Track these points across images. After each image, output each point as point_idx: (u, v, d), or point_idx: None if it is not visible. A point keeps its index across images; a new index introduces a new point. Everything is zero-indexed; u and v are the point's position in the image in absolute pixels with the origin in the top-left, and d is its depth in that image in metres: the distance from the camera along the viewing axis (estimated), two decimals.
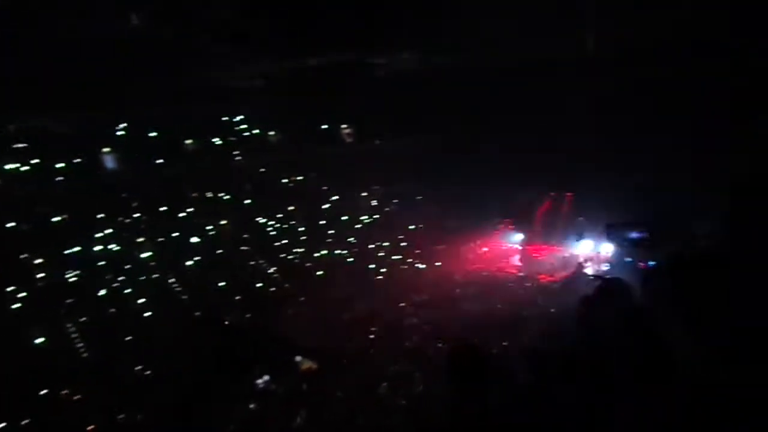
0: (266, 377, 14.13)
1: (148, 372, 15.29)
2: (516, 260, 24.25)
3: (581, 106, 19.18)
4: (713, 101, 15.72)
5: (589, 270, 20.95)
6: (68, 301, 18.17)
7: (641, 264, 17.80)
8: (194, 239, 21.37)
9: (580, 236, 23.14)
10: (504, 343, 13.77)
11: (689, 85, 16.06)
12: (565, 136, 19.84)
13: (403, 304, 19.05)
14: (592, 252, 22.22)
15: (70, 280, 18.57)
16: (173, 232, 21.06)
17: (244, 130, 24.00)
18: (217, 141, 23.16)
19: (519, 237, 25.46)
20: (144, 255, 20.00)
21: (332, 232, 24.59)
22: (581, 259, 21.91)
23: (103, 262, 19.28)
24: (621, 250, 18.61)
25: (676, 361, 2.60)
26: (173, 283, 20.05)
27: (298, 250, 23.50)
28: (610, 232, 19.28)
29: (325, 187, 25.97)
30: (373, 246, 24.82)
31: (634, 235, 17.66)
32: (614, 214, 20.87)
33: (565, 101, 19.49)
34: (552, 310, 16.41)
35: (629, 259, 18.75)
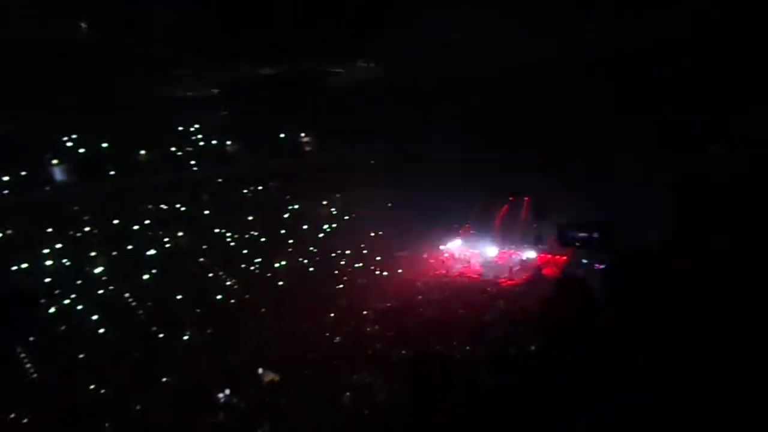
0: (227, 391, 13.83)
1: (103, 390, 14.71)
2: (476, 264, 24.52)
3: (534, 112, 19.64)
4: (658, 106, 16.36)
5: (548, 272, 21.44)
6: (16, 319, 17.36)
7: (597, 265, 18.37)
8: (150, 252, 20.77)
9: (538, 239, 23.65)
10: (467, 348, 13.87)
11: (637, 90, 16.68)
12: (518, 140, 20.26)
13: (365, 312, 18.98)
14: (549, 255, 22.76)
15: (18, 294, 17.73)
16: (127, 245, 20.41)
17: (201, 140, 23.56)
18: (173, 151, 22.65)
19: (479, 242, 25.78)
20: (97, 270, 19.29)
21: (292, 241, 24.34)
22: (539, 263, 22.39)
23: (51, 279, 18.48)
24: (577, 252, 19.15)
25: (633, 357, 2.67)
26: (128, 298, 19.42)
27: (258, 260, 23.15)
28: (561, 233, 19.87)
29: (285, 197, 25.73)
30: (334, 254, 24.70)
31: (583, 235, 18.27)
32: (569, 215, 21.45)
33: (518, 108, 19.92)
34: (513, 313, 16.62)
35: (585, 261, 19.31)
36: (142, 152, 21.63)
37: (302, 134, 25.78)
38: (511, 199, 24.89)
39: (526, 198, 24.35)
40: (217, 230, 23.20)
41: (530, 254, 23.73)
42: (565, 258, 21.70)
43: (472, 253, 25.67)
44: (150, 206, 21.97)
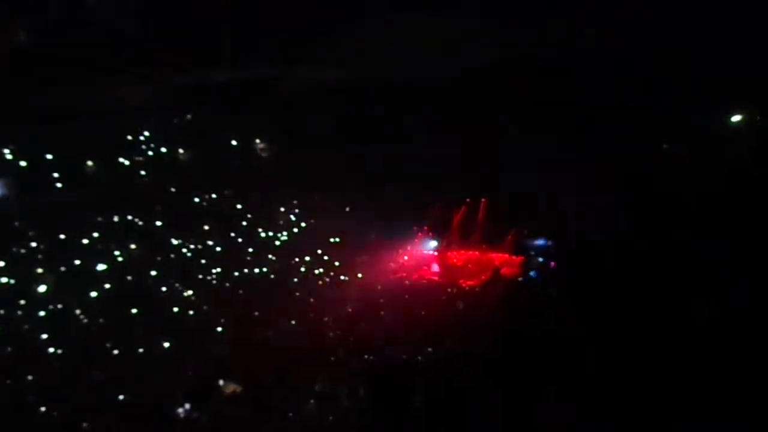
0: (187, 405, 13.50)
1: (55, 413, 14.10)
2: (435, 267, 24.78)
3: (489, 115, 19.97)
4: (608, 111, 16.90)
5: (506, 272, 21.88)
6: None
7: (552, 264, 18.94)
8: (101, 267, 20.05)
9: (497, 241, 24.14)
10: (428, 350, 13.97)
11: (583, 93, 17.19)
12: (476, 143, 20.57)
13: (326, 319, 18.90)
14: (506, 255, 23.27)
15: None
16: (76, 261, 19.64)
17: (151, 149, 22.92)
18: (121, 161, 21.95)
19: (437, 244, 26.06)
20: (42, 288, 18.48)
21: (251, 249, 23.96)
22: (497, 263, 22.81)
23: None
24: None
25: (580, 353, 2.74)
26: (78, 315, 18.69)
27: (216, 270, 22.67)
28: (517, 241, 21.00)
29: (241, 205, 25.31)
30: (293, 261, 24.45)
31: (539, 242, 19.31)
32: (525, 215, 22.01)
33: (475, 111, 20.23)
34: (471, 314, 16.88)
35: (541, 260, 19.87)
36: (89, 163, 20.88)
37: (257, 140, 25.44)
38: (468, 200, 25.28)
39: (483, 199, 24.79)
40: (171, 241, 22.61)
41: (489, 255, 24.18)
42: (522, 258, 22.21)
43: (431, 255, 25.94)
44: (99, 218, 21.21)
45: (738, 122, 15.64)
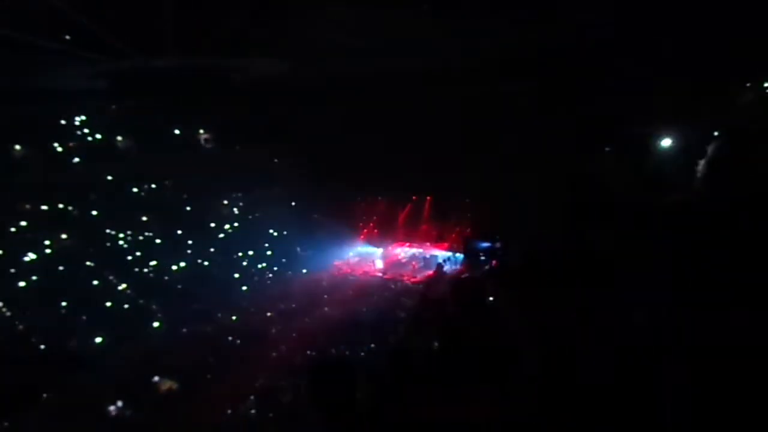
0: (119, 402, 13.03)
1: None
2: (380, 263, 24.94)
3: (432, 113, 20.21)
4: (550, 108, 17.41)
5: (448, 269, 22.26)
6: None
7: (494, 262, 19.41)
8: (29, 256, 19.02)
9: (440, 238, 24.53)
10: (371, 346, 14.07)
11: (533, 94, 17.67)
12: (420, 142, 20.77)
13: (269, 314, 18.68)
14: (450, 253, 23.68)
15: None
16: (0, 249, 18.56)
17: (87, 135, 21.89)
18: (54, 146, 20.87)
19: (383, 240, 26.23)
20: None
21: (192, 242, 23.34)
22: (441, 260, 23.19)
23: None
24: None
25: (521, 351, 2.87)
26: (2, 307, 17.68)
27: (154, 263, 21.96)
28: (466, 244, 21.66)
29: (183, 196, 24.59)
30: (236, 255, 24.01)
31: (485, 245, 19.93)
32: (469, 216, 22.50)
33: (418, 109, 20.42)
34: (421, 310, 17.04)
35: (483, 258, 20.35)
36: (18, 147, 19.73)
37: (201, 131, 24.75)
38: (414, 198, 25.55)
39: (428, 197, 25.11)
40: (106, 231, 21.70)
41: (432, 252, 24.55)
42: (465, 256, 22.65)
43: (376, 251, 26.09)
44: (27, 206, 20.10)
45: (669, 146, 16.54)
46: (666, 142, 16.58)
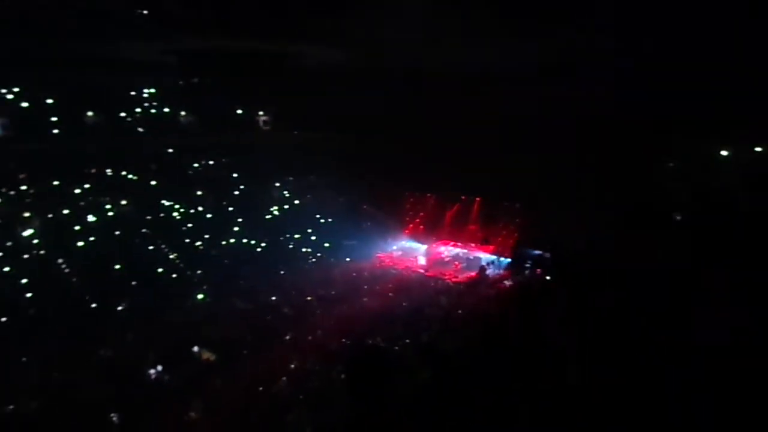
0: (159, 367, 13.52)
1: (24, 359, 14.08)
2: (423, 260, 24.86)
3: (498, 115, 19.91)
4: (615, 124, 16.86)
5: (491, 273, 21.98)
6: None
7: (538, 270, 19.07)
8: (89, 218, 19.92)
9: (486, 241, 24.23)
10: (406, 341, 14.04)
11: (591, 103, 17.16)
12: (478, 142, 20.52)
13: (309, 298, 18.93)
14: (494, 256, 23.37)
15: None
16: (65, 209, 19.50)
17: (153, 107, 22.71)
18: (122, 116, 21.75)
19: (427, 237, 26.14)
20: (27, 232, 18.34)
21: (241, 220, 23.92)
22: (484, 263, 22.91)
23: None
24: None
25: (563, 358, 2.79)
26: (61, 263, 18.61)
27: (205, 236, 22.63)
28: (516, 252, 21.48)
29: (237, 174, 25.22)
30: (282, 237, 24.45)
31: (536, 253, 19.71)
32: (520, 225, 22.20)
33: (480, 113, 20.16)
34: (459, 311, 16.94)
35: (528, 265, 20.04)
36: (90, 113, 20.65)
37: (260, 113, 25.27)
38: (463, 198, 25.33)
39: (478, 199, 24.83)
40: (163, 202, 22.50)
41: (476, 254, 24.28)
42: (510, 261, 22.31)
43: (419, 248, 26.02)
44: (93, 170, 21.04)
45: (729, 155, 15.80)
46: (728, 154, 15.89)
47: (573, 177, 18.04)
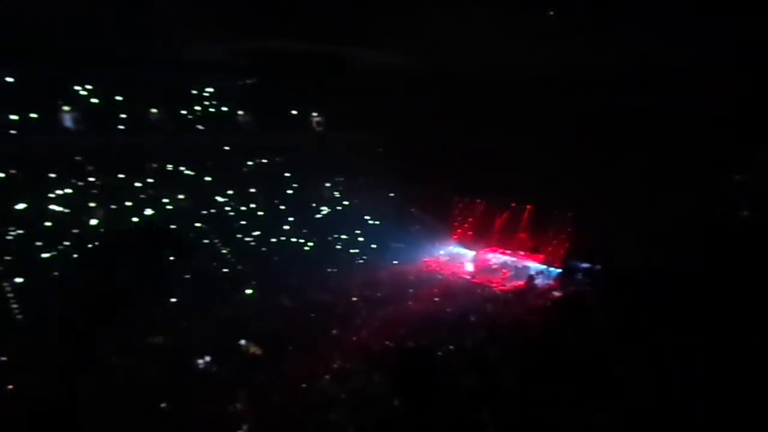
0: (207, 358, 13.92)
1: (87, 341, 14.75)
2: (470, 266, 24.61)
3: (550, 125, 19.55)
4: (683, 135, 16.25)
5: (539, 283, 21.53)
6: (7, 258, 17.51)
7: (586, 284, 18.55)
8: (148, 211, 20.78)
9: (535, 250, 23.75)
10: (450, 347, 13.94)
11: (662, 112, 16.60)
12: (533, 150, 20.19)
13: (355, 299, 19.07)
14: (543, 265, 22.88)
15: (11, 237, 17.87)
16: (127, 201, 20.42)
17: (212, 105, 23.48)
18: (183, 113, 22.58)
19: (475, 243, 25.87)
20: (93, 222, 19.31)
21: (292, 219, 24.38)
22: (533, 272, 22.47)
23: (49, 223, 18.54)
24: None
25: (618, 369, 2.72)
26: (121, 253, 19.41)
27: (256, 233, 23.19)
28: (566, 263, 21.07)
29: (289, 174, 25.72)
30: (331, 237, 24.76)
31: (585, 266, 19.24)
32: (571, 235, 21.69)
33: (535, 119, 19.83)
34: (505, 319, 16.68)
35: (580, 276, 19.51)
36: (154, 110, 21.55)
37: (314, 114, 25.70)
38: (513, 206, 24.94)
39: (528, 207, 24.39)
40: (218, 198, 23.22)
41: (525, 263, 23.84)
42: (559, 271, 21.80)
43: (467, 254, 25.78)
44: (154, 165, 21.94)
45: None
46: None
47: (628, 187, 17.47)
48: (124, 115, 20.63)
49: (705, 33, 12.33)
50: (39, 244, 18.15)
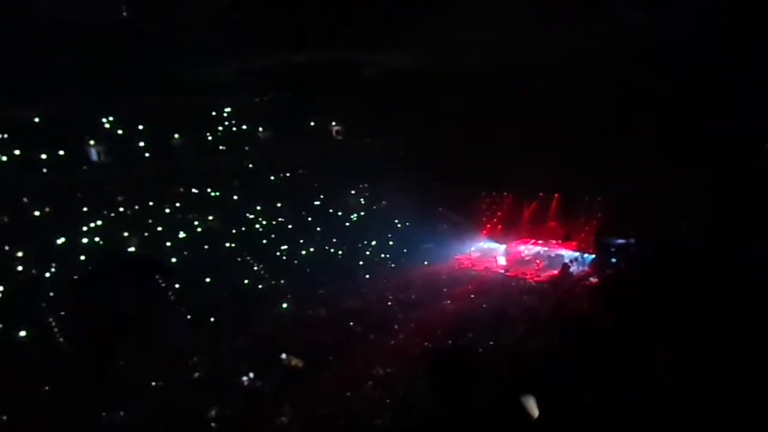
0: (251, 374, 14.07)
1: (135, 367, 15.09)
2: (502, 260, 24.36)
3: (568, 112, 19.27)
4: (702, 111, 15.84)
5: (574, 270, 21.18)
6: (50, 294, 18.00)
7: (623, 265, 18.09)
8: (181, 234, 21.15)
9: (567, 237, 23.36)
10: (490, 343, 13.80)
11: (675, 89, 16.20)
12: (549, 138, 19.92)
13: (389, 303, 19.05)
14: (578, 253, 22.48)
15: (51, 273, 18.37)
16: (159, 227, 20.82)
17: (232, 125, 23.80)
18: (205, 136, 22.94)
19: (506, 237, 25.59)
20: (130, 249, 19.73)
21: (320, 229, 24.52)
22: (567, 260, 22.10)
23: (85, 257, 18.99)
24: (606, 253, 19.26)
25: (652, 359, 2.64)
26: (157, 279, 19.78)
27: (285, 247, 23.40)
28: (599, 240, 20.40)
29: (314, 184, 25.90)
30: (361, 244, 24.81)
31: (619, 241, 18.58)
32: (602, 216, 21.25)
33: (552, 107, 19.57)
34: (543, 311, 16.44)
35: (614, 260, 19.06)
36: (176, 135, 21.94)
37: (333, 123, 25.85)
38: (541, 195, 24.62)
39: (556, 195, 24.04)
40: (246, 215, 23.50)
41: (558, 251, 23.48)
42: (594, 256, 21.39)
43: (498, 247, 25.52)
44: (181, 189, 22.33)
45: None
46: None
47: (655, 164, 17.06)
48: (148, 143, 21.04)
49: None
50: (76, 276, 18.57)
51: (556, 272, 21.70)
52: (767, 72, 14.21)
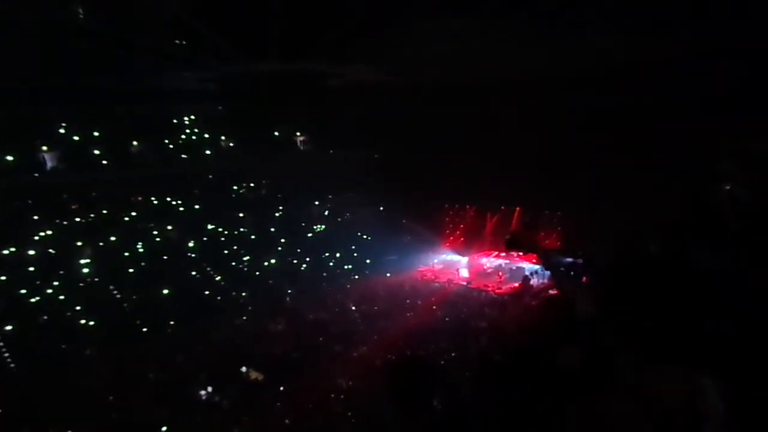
0: (209, 388, 13.72)
1: (83, 383, 14.53)
2: (465, 272, 24.59)
3: (530, 127, 19.67)
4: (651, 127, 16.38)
5: (535, 282, 21.51)
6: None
7: (584, 278, 18.39)
8: (137, 244, 20.56)
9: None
10: (452, 354, 13.86)
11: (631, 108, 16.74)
12: (516, 152, 20.27)
13: (353, 315, 18.96)
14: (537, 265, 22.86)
15: None
16: (115, 237, 20.17)
17: (194, 133, 23.37)
18: (165, 143, 22.43)
19: (469, 249, 25.89)
20: (82, 260, 19.05)
21: (283, 240, 24.25)
22: (528, 273, 22.46)
23: (34, 267, 18.20)
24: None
25: (613, 366, 2.69)
26: (112, 290, 19.21)
27: (247, 258, 23.02)
28: (546, 258, 20.55)
29: (278, 195, 25.64)
30: (324, 255, 24.64)
31: (568, 260, 18.77)
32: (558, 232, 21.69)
33: (514, 122, 19.95)
34: (499, 321, 16.60)
35: (573, 274, 19.42)
36: (135, 143, 21.38)
37: (297, 133, 25.71)
38: (502, 208, 25.01)
39: (518, 208, 24.46)
40: (206, 225, 23.02)
41: (519, 264, 23.86)
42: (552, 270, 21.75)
43: (461, 260, 25.77)
44: (139, 198, 21.73)
45: None
46: None
47: (612, 182, 17.53)
48: (105, 150, 20.42)
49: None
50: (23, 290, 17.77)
51: (517, 285, 22.01)
52: (725, 95, 14.83)
